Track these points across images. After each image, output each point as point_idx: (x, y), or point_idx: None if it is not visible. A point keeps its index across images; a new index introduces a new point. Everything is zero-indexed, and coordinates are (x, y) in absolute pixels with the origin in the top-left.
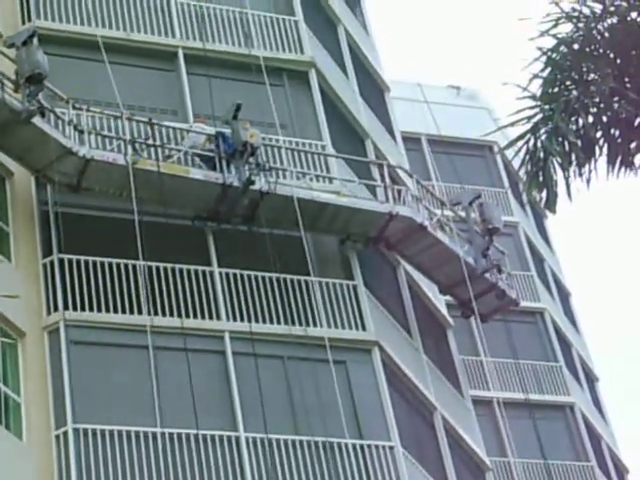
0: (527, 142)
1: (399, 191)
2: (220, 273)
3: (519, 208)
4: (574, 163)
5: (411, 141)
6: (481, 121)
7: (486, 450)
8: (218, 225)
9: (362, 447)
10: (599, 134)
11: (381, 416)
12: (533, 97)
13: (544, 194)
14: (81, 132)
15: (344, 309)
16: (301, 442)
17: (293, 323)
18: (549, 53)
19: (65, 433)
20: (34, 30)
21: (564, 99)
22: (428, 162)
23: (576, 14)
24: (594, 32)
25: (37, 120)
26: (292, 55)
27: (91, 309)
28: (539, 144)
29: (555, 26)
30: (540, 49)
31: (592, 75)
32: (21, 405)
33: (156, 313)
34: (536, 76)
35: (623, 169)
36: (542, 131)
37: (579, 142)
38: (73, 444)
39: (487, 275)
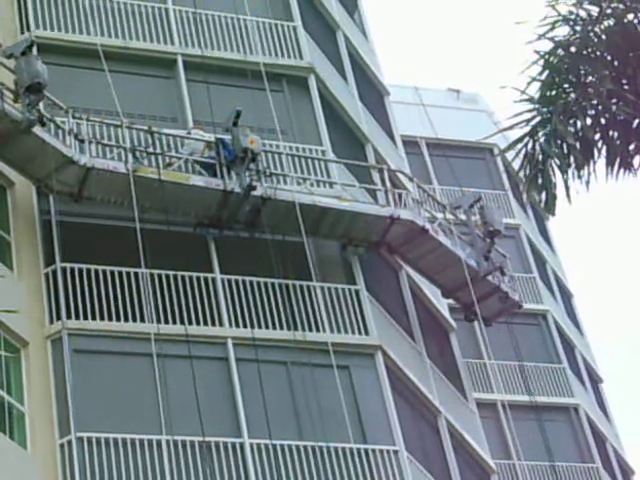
0: (526, 145)
1: (400, 195)
2: (222, 280)
3: (520, 210)
4: (573, 165)
5: (411, 145)
6: (481, 124)
7: (491, 453)
8: (220, 232)
9: (366, 452)
10: (597, 136)
11: (385, 420)
12: (531, 100)
13: (544, 196)
14: (81, 141)
15: (347, 314)
16: (305, 447)
17: (296, 328)
18: (546, 56)
19: (69, 442)
20: (32, 40)
21: (562, 102)
22: (428, 165)
23: (573, 17)
24: (591, 34)
25: (37, 130)
26: (291, 61)
27: (94, 317)
28: (537, 147)
29: (552, 29)
30: (537, 52)
31: (590, 77)
32: (25, 414)
33: (159, 321)
34: (534, 79)
35: (622, 171)
36: (540, 134)
37: (577, 144)
38: (77, 453)
39: (489, 278)
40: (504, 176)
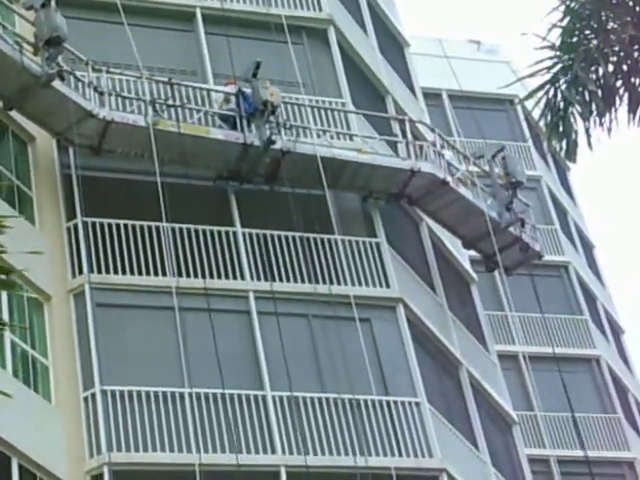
0: (547, 92)
1: (421, 147)
2: (243, 233)
3: (541, 162)
4: (594, 112)
5: (432, 97)
6: (502, 75)
7: (512, 404)
8: (240, 185)
9: (388, 403)
10: (619, 83)
11: (407, 372)
12: (552, 47)
13: (564, 144)
14: (101, 94)
15: (367, 267)
16: (327, 399)
17: (317, 282)
18: (568, 2)
19: (93, 395)
20: None
21: (583, 48)
22: (449, 117)
23: None
24: None
25: (57, 83)
26: (310, 13)
27: (115, 272)
28: (559, 94)
29: None
30: None
31: (611, 24)
32: (49, 368)
33: (180, 275)
34: (555, 25)
35: None
36: (562, 81)
37: (599, 91)
38: (101, 405)
39: (511, 229)
40: (525, 127)
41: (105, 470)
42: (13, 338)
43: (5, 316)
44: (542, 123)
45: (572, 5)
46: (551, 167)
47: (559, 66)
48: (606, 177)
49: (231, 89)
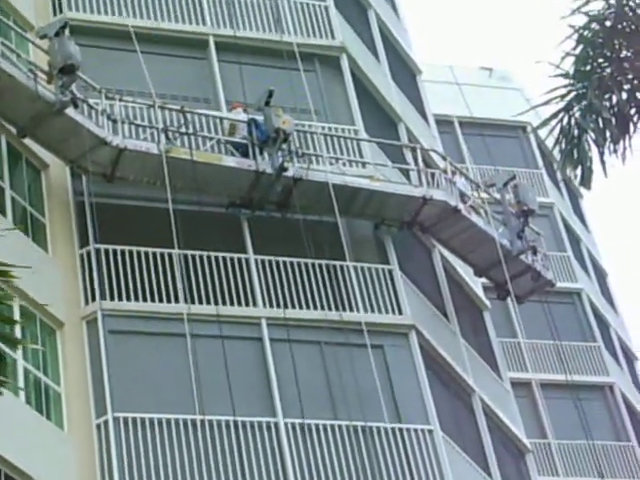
0: (561, 120)
1: (432, 174)
2: (256, 260)
3: (554, 189)
4: (608, 139)
5: (444, 124)
6: (514, 102)
7: (526, 432)
8: (252, 212)
9: (401, 431)
10: (633, 110)
11: (419, 400)
12: (566, 75)
13: (579, 171)
14: (114, 122)
15: (380, 293)
16: (340, 427)
17: (329, 308)
18: (581, 31)
19: (105, 422)
20: (66, 21)
21: (597, 76)
22: (461, 144)
23: None
24: (626, 8)
25: (70, 111)
26: (323, 40)
27: (128, 298)
28: (573, 122)
29: (586, 3)
30: (572, 27)
31: (625, 52)
32: (61, 395)
33: (193, 301)
34: (568, 54)
35: None
36: (576, 109)
37: (613, 119)
38: (114, 433)
39: (522, 257)
40: (537, 154)
41: None
42: (26, 365)
43: None
44: (556, 150)
45: (585, 33)
46: (564, 194)
47: (573, 94)
48: (619, 204)
49: (236, 113)
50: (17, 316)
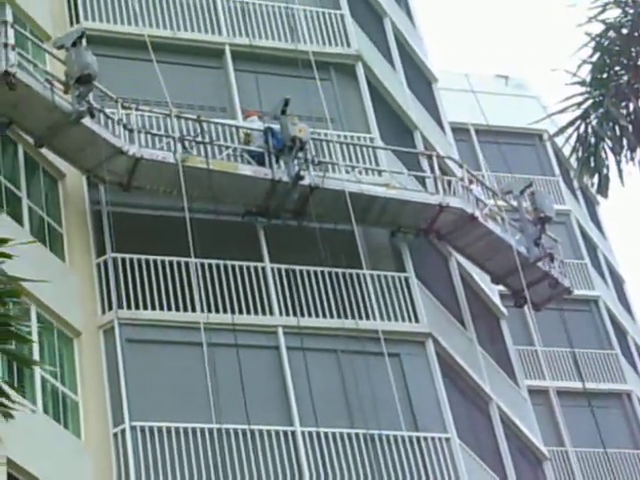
0: (577, 128)
1: (449, 182)
2: (272, 268)
3: (571, 196)
4: (625, 147)
5: (460, 132)
6: (530, 110)
7: (543, 440)
8: (268, 221)
9: (418, 439)
10: None
11: (436, 408)
12: (583, 83)
13: (596, 179)
14: (131, 131)
15: (396, 301)
16: (357, 435)
17: (346, 316)
18: (598, 38)
19: (123, 431)
20: (83, 31)
21: (614, 84)
22: (477, 152)
23: None
24: None
25: (87, 121)
26: (339, 49)
27: (145, 307)
28: (590, 129)
29: (603, 11)
30: (589, 35)
31: None
32: (79, 404)
33: (209, 310)
34: (585, 62)
35: None
36: (592, 116)
37: (630, 126)
38: (131, 441)
39: (539, 264)
40: (554, 162)
41: None
42: (43, 374)
43: (35, 352)
44: (573, 158)
45: (602, 41)
46: (580, 201)
47: (590, 102)
48: (636, 210)
49: (251, 121)
50: (34, 326)
